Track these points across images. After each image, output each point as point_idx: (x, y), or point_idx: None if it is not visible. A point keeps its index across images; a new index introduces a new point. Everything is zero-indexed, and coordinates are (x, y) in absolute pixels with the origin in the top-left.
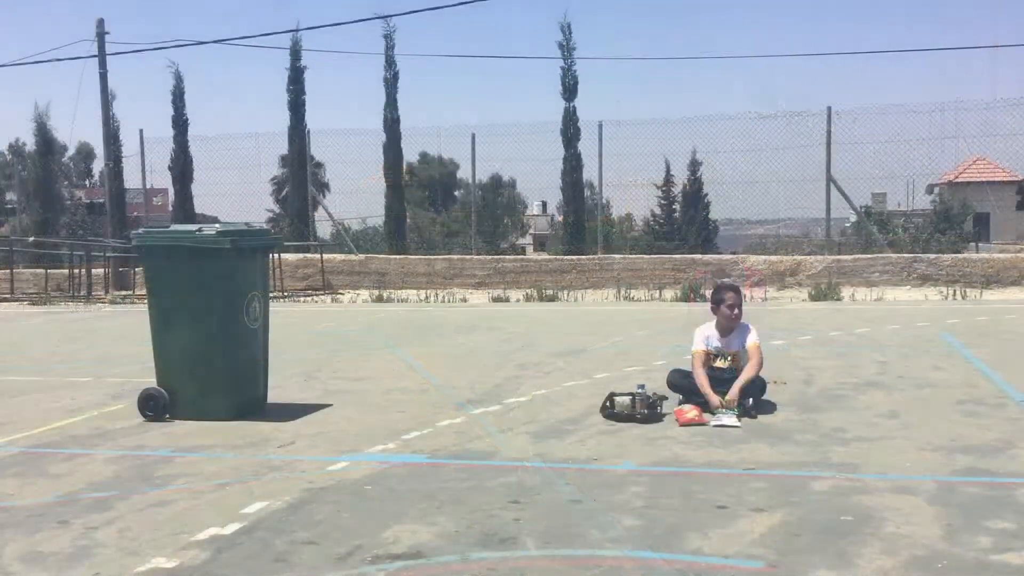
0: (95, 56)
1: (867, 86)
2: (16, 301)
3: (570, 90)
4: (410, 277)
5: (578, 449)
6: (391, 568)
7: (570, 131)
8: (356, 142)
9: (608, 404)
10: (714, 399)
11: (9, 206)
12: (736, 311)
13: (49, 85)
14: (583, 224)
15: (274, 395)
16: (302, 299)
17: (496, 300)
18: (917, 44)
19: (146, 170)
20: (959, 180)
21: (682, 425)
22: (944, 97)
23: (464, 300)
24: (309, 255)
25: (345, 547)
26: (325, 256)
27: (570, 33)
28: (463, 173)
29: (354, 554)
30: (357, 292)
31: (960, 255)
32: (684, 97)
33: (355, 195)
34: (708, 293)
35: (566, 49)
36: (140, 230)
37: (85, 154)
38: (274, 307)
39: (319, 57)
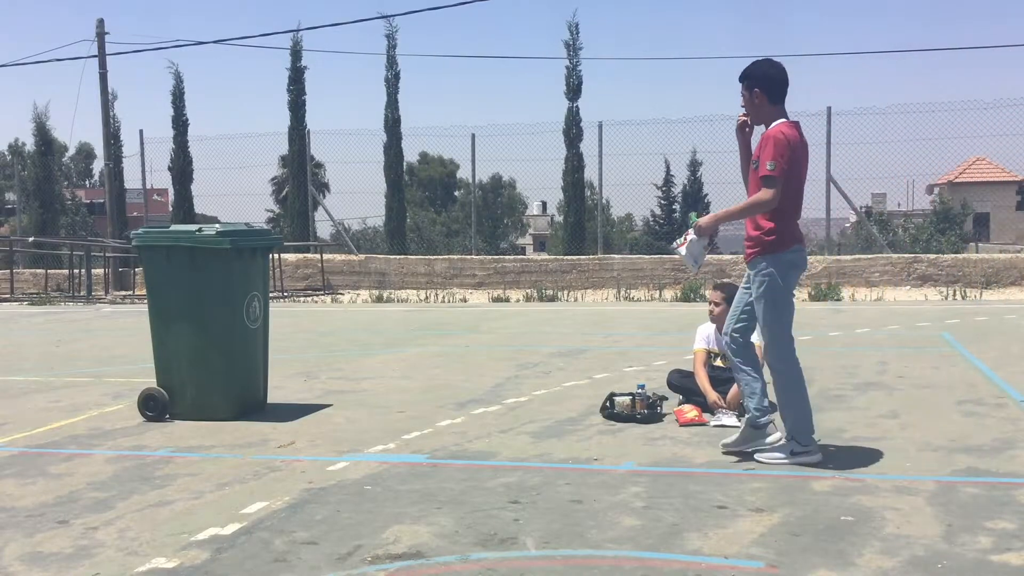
0: (95, 56)
1: (867, 86)
2: (16, 301)
3: (574, 90)
4: (410, 277)
5: (578, 449)
6: (391, 568)
7: (572, 131)
8: (356, 142)
9: (608, 404)
10: (714, 398)
11: (9, 206)
12: (712, 307)
13: (49, 85)
14: (583, 224)
15: (274, 395)
16: (302, 299)
17: (496, 300)
18: (917, 44)
19: (146, 170)
20: (959, 180)
21: (682, 425)
22: (944, 97)
23: (464, 300)
24: (309, 255)
25: (345, 547)
26: (325, 256)
27: (577, 33)
28: (463, 173)
29: (354, 554)
30: (357, 292)
31: (960, 255)
32: (684, 97)
33: (355, 195)
34: (708, 293)
35: (572, 49)
36: (139, 230)
37: (85, 154)
38: (274, 307)
39: (320, 57)
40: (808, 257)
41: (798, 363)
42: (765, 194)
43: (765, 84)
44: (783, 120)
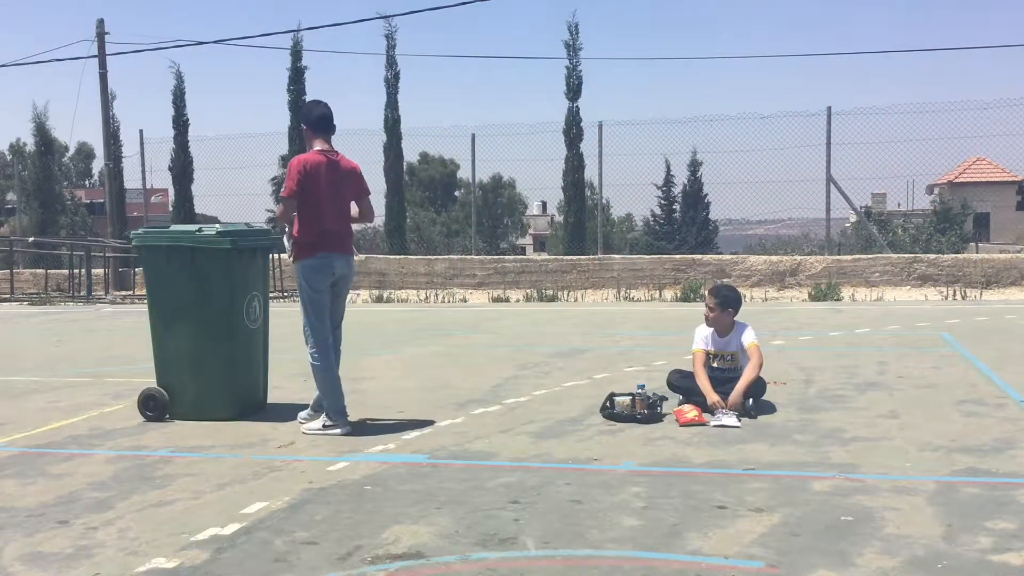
0: (95, 56)
1: (867, 86)
2: (16, 301)
3: (574, 90)
4: (410, 277)
5: (578, 449)
6: (391, 568)
7: (572, 131)
8: (356, 142)
9: (608, 404)
10: (715, 399)
11: (9, 206)
12: (707, 311)
13: (49, 85)
14: (583, 224)
15: (274, 395)
16: None
17: (496, 300)
18: (917, 44)
19: (146, 170)
20: (959, 180)
21: (682, 425)
22: (943, 97)
23: (464, 300)
24: None
25: (345, 547)
26: None
27: (577, 33)
28: (463, 173)
29: (354, 554)
30: (357, 292)
31: (960, 255)
32: (684, 97)
33: None
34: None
35: (572, 49)
36: (140, 230)
37: (85, 154)
38: (274, 307)
39: (320, 57)
40: (808, 257)
41: (331, 353)
42: (279, 211)
43: (307, 121)
44: (314, 149)
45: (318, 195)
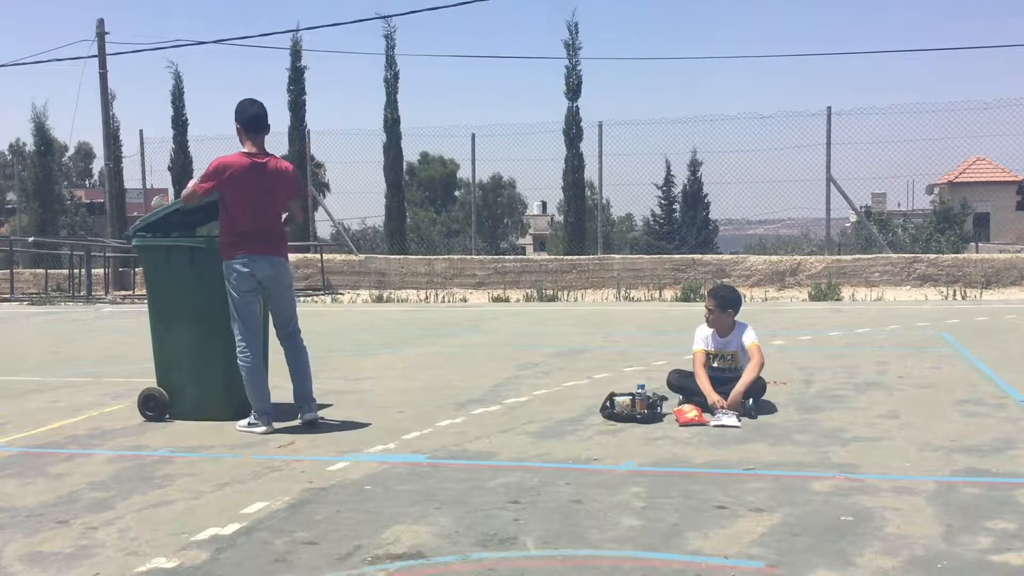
0: (95, 56)
1: (867, 86)
2: (16, 301)
3: (574, 90)
4: (410, 277)
5: (578, 449)
6: (391, 568)
7: (573, 131)
8: (356, 142)
9: (608, 404)
10: (715, 399)
11: (9, 206)
12: (706, 312)
13: (49, 85)
14: (583, 224)
15: (274, 395)
16: (302, 299)
17: (496, 300)
18: (918, 44)
19: (146, 170)
20: (959, 180)
21: (682, 425)
22: (944, 97)
23: (464, 300)
24: (309, 255)
25: (345, 547)
26: (325, 256)
27: (576, 32)
28: (463, 173)
29: (354, 554)
30: (357, 292)
31: (960, 255)
32: (684, 97)
33: (355, 195)
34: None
35: (572, 48)
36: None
37: (85, 154)
38: None
39: (319, 57)
40: (808, 257)
41: (256, 354)
42: (186, 191)
43: (240, 119)
44: (241, 151)
45: (236, 198)
